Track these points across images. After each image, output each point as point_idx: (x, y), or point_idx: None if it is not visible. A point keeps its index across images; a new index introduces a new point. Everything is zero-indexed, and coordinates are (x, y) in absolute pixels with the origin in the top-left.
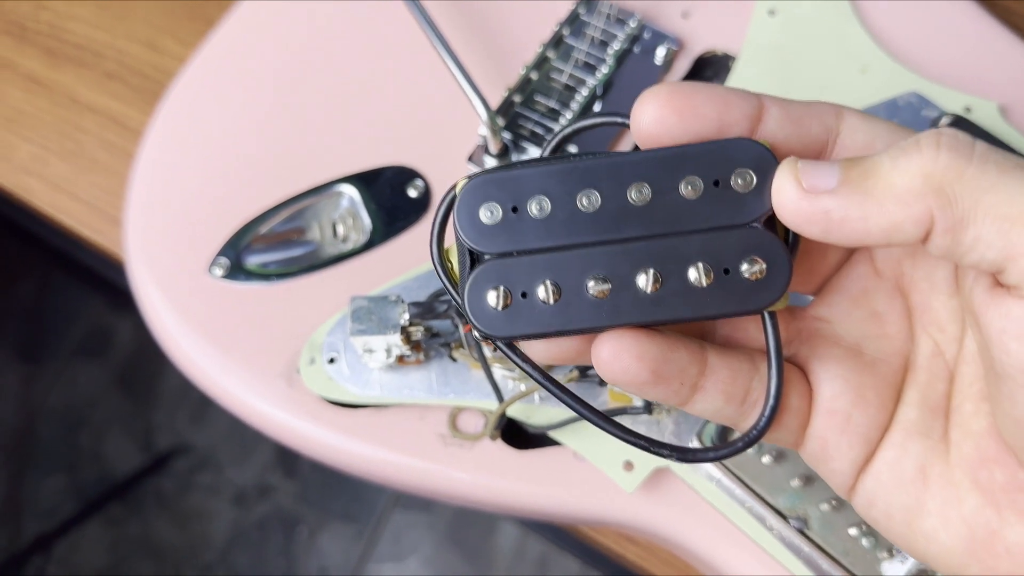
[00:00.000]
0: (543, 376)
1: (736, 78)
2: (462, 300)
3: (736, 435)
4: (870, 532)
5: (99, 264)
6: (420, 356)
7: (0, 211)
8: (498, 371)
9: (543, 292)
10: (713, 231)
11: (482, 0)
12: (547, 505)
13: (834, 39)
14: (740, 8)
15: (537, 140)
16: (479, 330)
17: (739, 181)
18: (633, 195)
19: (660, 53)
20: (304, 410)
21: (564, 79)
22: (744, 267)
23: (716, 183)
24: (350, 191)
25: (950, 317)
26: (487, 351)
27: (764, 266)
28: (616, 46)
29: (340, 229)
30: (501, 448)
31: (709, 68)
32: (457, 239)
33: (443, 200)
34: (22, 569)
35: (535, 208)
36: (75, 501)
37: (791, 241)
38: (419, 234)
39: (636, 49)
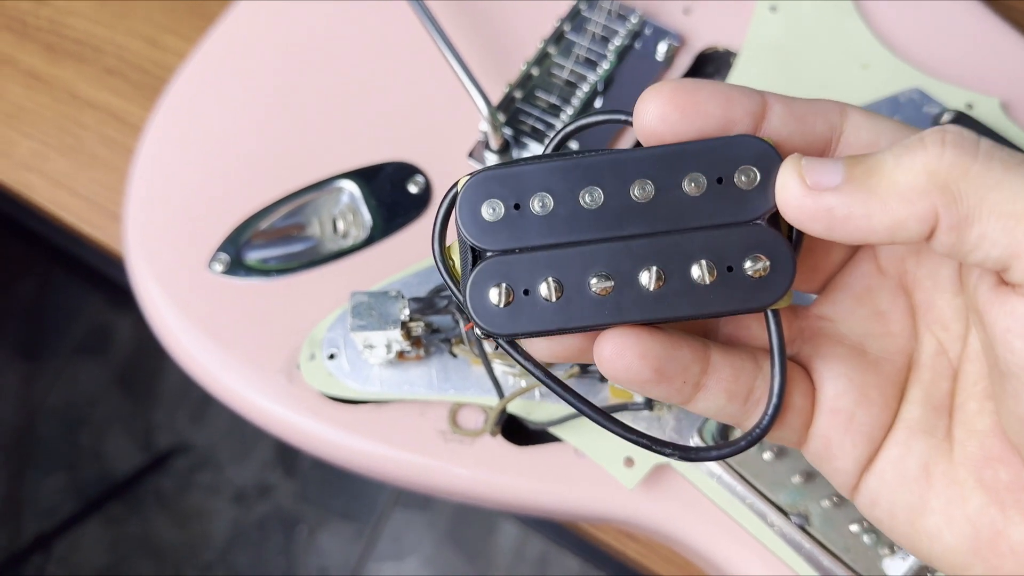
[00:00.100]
0: (545, 374)
1: (737, 74)
2: (464, 297)
3: (739, 434)
4: (871, 529)
5: (99, 261)
6: (420, 352)
7: (0, 209)
8: (498, 367)
9: (545, 289)
10: (716, 228)
11: None
12: (547, 501)
13: (835, 35)
14: (741, 4)
15: (538, 136)
16: (481, 328)
17: (743, 178)
18: (636, 192)
19: (661, 49)
20: (304, 406)
21: (565, 75)
22: (747, 265)
23: (719, 180)
24: (350, 187)
25: (954, 315)
26: (487, 347)
27: (767, 264)
28: (617, 42)
29: (340, 225)
30: (501, 444)
31: (710, 64)
32: (459, 236)
33: (445, 197)
34: (22, 568)
35: (537, 205)
36: (75, 500)
37: (795, 239)
38: (419, 230)
39: (637, 45)
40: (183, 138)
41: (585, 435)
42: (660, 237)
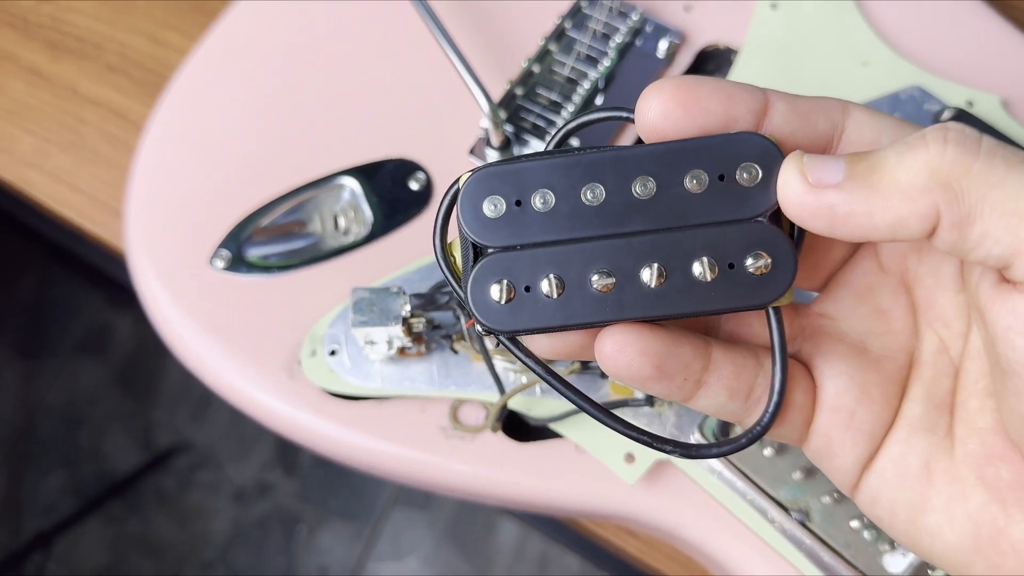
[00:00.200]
0: (546, 371)
1: (738, 72)
2: (465, 294)
3: (739, 431)
4: (872, 525)
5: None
6: (421, 348)
7: (1, 206)
8: (499, 363)
9: (546, 286)
10: (718, 225)
11: None
12: (548, 498)
13: (836, 32)
14: (742, 2)
15: (539, 133)
16: (482, 324)
17: (744, 175)
18: (637, 189)
19: (662, 46)
20: (305, 402)
21: (566, 72)
22: (749, 262)
23: (721, 177)
24: (351, 183)
25: (955, 313)
26: (488, 343)
27: (769, 261)
28: (618, 39)
29: (341, 221)
30: (502, 440)
31: (711, 61)
32: (460, 232)
33: (446, 193)
34: (22, 566)
35: (539, 202)
36: (75, 498)
37: (796, 236)
38: (420, 227)
39: (638, 42)
40: (185, 135)
41: (586, 431)
42: (662, 234)
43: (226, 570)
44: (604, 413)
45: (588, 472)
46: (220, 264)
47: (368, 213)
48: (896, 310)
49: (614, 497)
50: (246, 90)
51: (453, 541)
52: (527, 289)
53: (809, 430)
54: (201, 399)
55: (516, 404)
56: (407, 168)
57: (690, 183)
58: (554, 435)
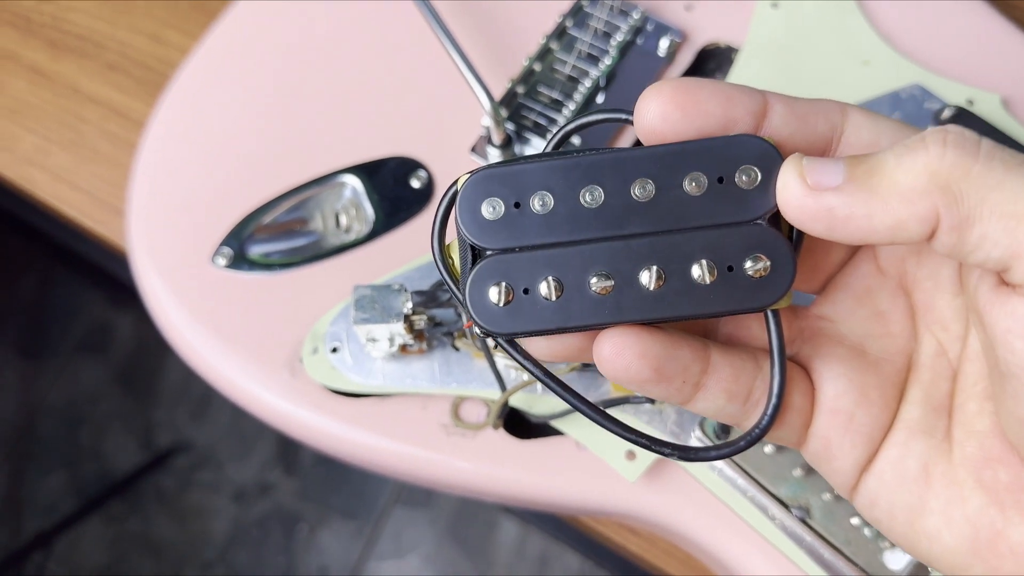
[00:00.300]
0: (544, 373)
1: (739, 71)
2: (463, 296)
3: (738, 433)
4: None
5: (100, 257)
6: (423, 345)
7: (2, 205)
8: (501, 361)
9: (545, 288)
10: (717, 228)
11: None
12: (549, 495)
13: (837, 31)
14: (743, 1)
15: (540, 131)
16: (480, 326)
17: (743, 178)
18: (636, 191)
19: (663, 45)
20: (307, 399)
21: (567, 70)
22: (748, 264)
23: (720, 180)
24: (353, 181)
25: (954, 316)
26: (490, 341)
27: (768, 264)
28: (619, 37)
29: (343, 219)
30: (503, 437)
31: (712, 60)
32: (459, 234)
33: (444, 195)
34: (22, 566)
35: (538, 204)
36: (75, 498)
37: (795, 239)
38: (422, 225)
39: (639, 41)
40: (186, 133)
41: (587, 428)
42: (660, 236)
43: (226, 569)
44: (600, 414)
45: (589, 469)
46: (222, 262)
47: (370, 211)
48: (895, 313)
49: (615, 494)
50: (247, 88)
51: (454, 539)
52: (525, 291)
53: (808, 432)
54: (201, 399)
55: (517, 401)
56: (408, 166)
57: (689, 185)
58: (555, 432)
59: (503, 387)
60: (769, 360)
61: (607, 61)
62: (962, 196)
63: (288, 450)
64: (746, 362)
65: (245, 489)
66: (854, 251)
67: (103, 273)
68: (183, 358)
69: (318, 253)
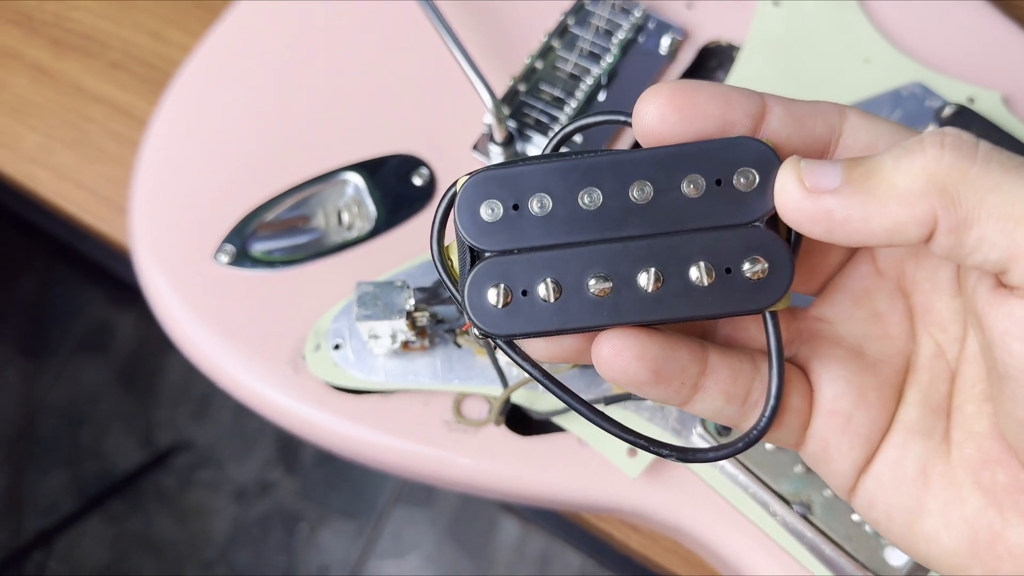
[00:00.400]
0: (543, 374)
1: (740, 69)
2: (462, 298)
3: (736, 435)
4: None
5: (102, 255)
6: (425, 342)
7: (3, 204)
8: (503, 357)
9: (543, 290)
10: (715, 230)
11: None
12: (551, 491)
13: (838, 29)
14: None
15: (542, 129)
16: (479, 328)
17: (741, 180)
18: (635, 193)
19: (665, 43)
20: (309, 396)
21: (569, 68)
22: (746, 267)
23: (718, 182)
24: (355, 179)
25: (952, 317)
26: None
27: (766, 266)
28: (621, 35)
29: (345, 217)
30: (505, 434)
31: (713, 58)
32: (457, 236)
33: (443, 197)
34: (23, 565)
35: (536, 206)
36: (76, 497)
37: (793, 241)
38: (423, 222)
39: (641, 39)
40: (189, 131)
41: (589, 425)
42: (659, 238)
43: (227, 569)
44: (599, 416)
45: (591, 465)
46: (224, 259)
47: (372, 208)
48: (893, 314)
49: (616, 491)
50: (250, 86)
51: (454, 539)
52: (524, 293)
53: (806, 434)
54: (202, 398)
55: (519, 398)
56: (410, 164)
57: (687, 188)
58: (557, 429)
59: (505, 384)
60: (767, 362)
61: (609, 59)
62: (960, 198)
63: (289, 449)
64: (744, 364)
65: (246, 488)
66: (852, 253)
67: (104, 272)
68: (186, 355)
69: (320, 250)
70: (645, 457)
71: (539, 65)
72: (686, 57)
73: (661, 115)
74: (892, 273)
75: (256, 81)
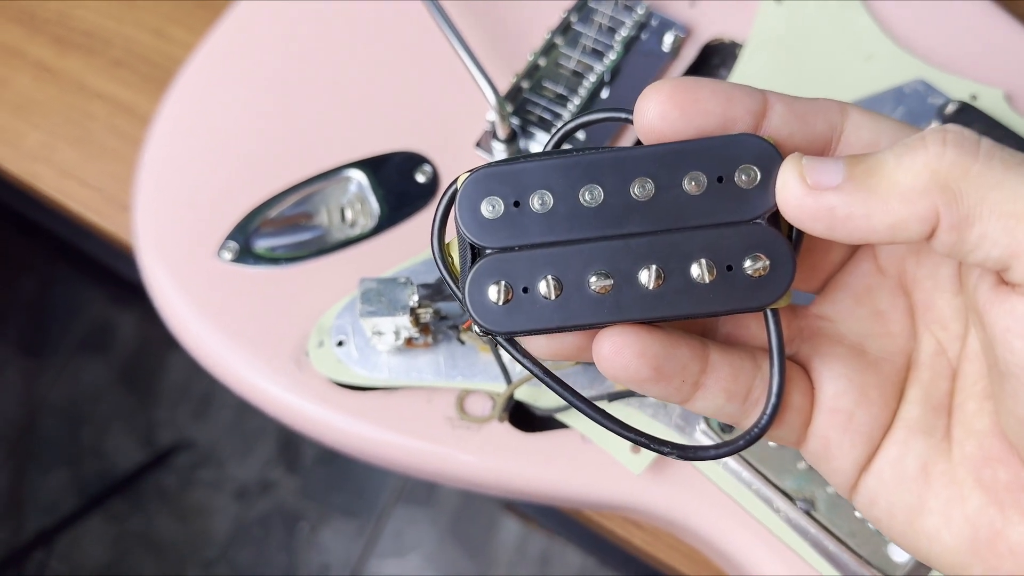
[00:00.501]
0: (543, 372)
1: (743, 66)
2: (463, 295)
3: (738, 433)
4: None
5: (104, 254)
6: (428, 339)
7: (4, 203)
8: (506, 354)
9: (544, 287)
10: (716, 227)
11: None
12: (554, 488)
13: (840, 27)
14: None
15: (545, 125)
16: (480, 325)
17: (743, 177)
18: (636, 190)
19: (667, 40)
20: (313, 393)
21: (572, 65)
22: (747, 264)
23: (720, 179)
24: (358, 176)
25: (953, 315)
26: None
27: (767, 263)
28: (624, 33)
29: (348, 214)
30: (509, 431)
31: (716, 56)
32: (458, 233)
33: (444, 194)
34: (24, 564)
35: (537, 203)
36: (77, 496)
37: (794, 238)
38: (427, 219)
39: (644, 36)
40: (192, 128)
41: (592, 421)
42: (660, 236)
43: (228, 568)
44: (600, 414)
45: (594, 462)
46: (228, 256)
47: (375, 205)
48: (894, 312)
49: (620, 487)
50: (253, 83)
51: (455, 538)
52: (525, 290)
53: (807, 432)
54: (203, 397)
55: (522, 394)
56: (414, 161)
57: (689, 185)
58: (560, 425)
59: (508, 380)
60: (768, 359)
61: (611, 56)
62: (962, 195)
63: (289, 448)
64: (745, 361)
65: (246, 487)
66: (853, 250)
67: (105, 271)
68: (189, 352)
69: (323, 247)
70: (649, 454)
71: (542, 62)
72: (689, 54)
73: (662, 112)
74: (893, 271)
75: (259, 78)
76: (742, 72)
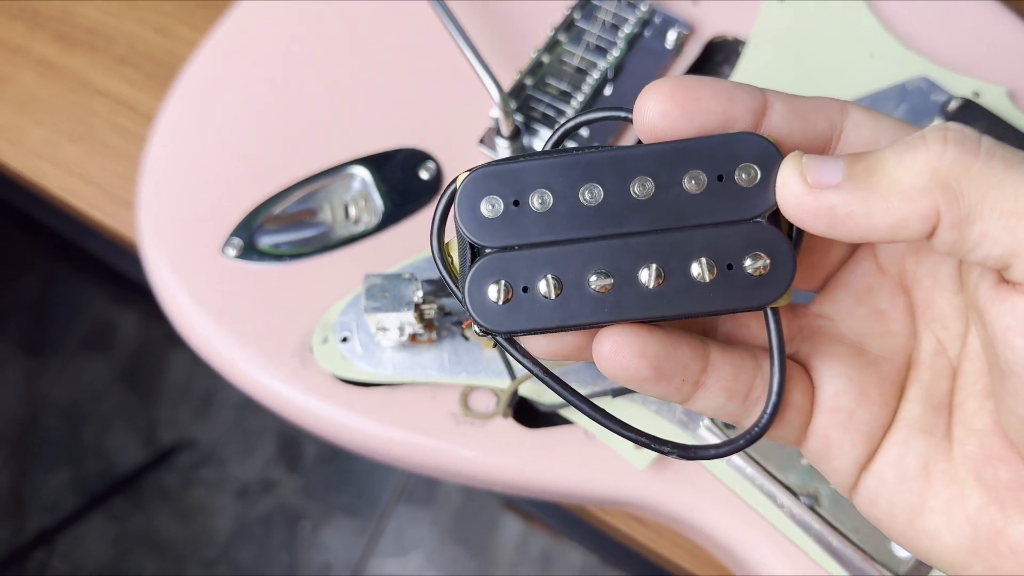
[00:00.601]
0: (543, 372)
1: (745, 63)
2: (462, 294)
3: (739, 432)
4: None
5: (106, 252)
6: (432, 335)
7: (6, 201)
8: None
9: (544, 287)
10: (716, 226)
11: None
12: (558, 484)
13: (843, 24)
14: None
15: (548, 122)
16: (479, 325)
17: (743, 176)
18: (636, 189)
19: (671, 37)
20: (317, 389)
21: (575, 62)
22: (747, 263)
23: (720, 178)
24: (362, 173)
25: (954, 314)
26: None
27: (768, 262)
28: (627, 30)
29: (352, 211)
30: (512, 426)
31: (719, 53)
32: (458, 232)
33: (443, 193)
34: (25, 563)
35: (537, 202)
36: (78, 495)
37: (795, 237)
38: (430, 216)
39: (647, 33)
40: (195, 125)
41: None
42: (660, 235)
43: (229, 567)
44: (602, 413)
45: (598, 458)
46: (232, 252)
47: (379, 202)
48: (894, 311)
49: (624, 483)
50: (256, 80)
51: (456, 538)
52: (525, 290)
53: (807, 431)
54: (204, 396)
55: (526, 390)
56: (417, 158)
57: (689, 183)
58: (564, 421)
59: (512, 376)
60: (769, 358)
61: (615, 53)
62: (962, 194)
63: (291, 447)
64: (745, 360)
65: (248, 487)
66: (854, 249)
67: (106, 270)
68: (193, 348)
69: (327, 244)
70: None
71: (546, 59)
72: (692, 52)
73: (662, 111)
74: (893, 270)
75: (263, 75)
76: (745, 70)
